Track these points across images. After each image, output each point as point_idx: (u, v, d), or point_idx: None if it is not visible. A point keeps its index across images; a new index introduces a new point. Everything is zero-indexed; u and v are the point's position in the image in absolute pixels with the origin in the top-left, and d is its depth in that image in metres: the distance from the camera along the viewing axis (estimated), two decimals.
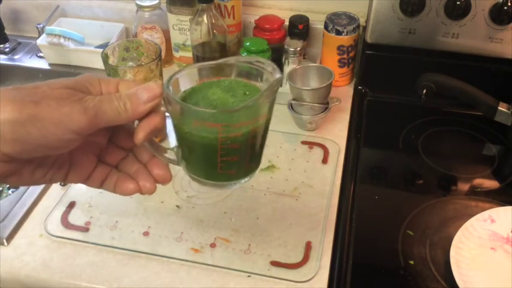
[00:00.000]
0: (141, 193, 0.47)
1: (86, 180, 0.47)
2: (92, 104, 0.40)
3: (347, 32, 0.96)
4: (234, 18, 1.02)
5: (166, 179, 0.47)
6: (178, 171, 0.82)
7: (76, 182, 0.46)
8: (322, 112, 0.88)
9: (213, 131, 0.44)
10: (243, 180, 0.50)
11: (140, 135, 0.43)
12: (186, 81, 0.48)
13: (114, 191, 0.47)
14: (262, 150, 0.50)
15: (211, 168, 0.48)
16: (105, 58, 0.78)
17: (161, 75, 0.81)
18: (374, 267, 0.70)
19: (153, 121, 0.43)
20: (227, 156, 0.46)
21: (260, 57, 0.48)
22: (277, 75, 0.46)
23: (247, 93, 0.47)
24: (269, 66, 0.48)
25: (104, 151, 0.47)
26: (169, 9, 1.00)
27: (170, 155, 0.48)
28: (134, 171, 0.47)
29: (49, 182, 0.45)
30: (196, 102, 0.46)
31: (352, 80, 1.06)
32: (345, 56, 1.00)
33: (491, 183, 0.83)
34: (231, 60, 0.49)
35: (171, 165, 0.50)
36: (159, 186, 0.52)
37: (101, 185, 0.47)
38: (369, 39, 0.96)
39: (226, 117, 0.44)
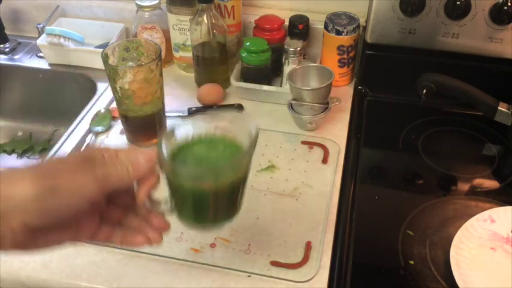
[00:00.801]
0: (150, 245, 0.51)
1: (92, 239, 0.50)
2: (100, 172, 0.45)
3: (347, 32, 0.96)
4: (234, 18, 1.02)
5: (166, 228, 0.52)
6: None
7: (83, 241, 0.50)
8: (322, 112, 0.89)
9: (201, 185, 0.50)
10: (229, 221, 0.56)
11: (141, 195, 0.48)
12: (176, 138, 0.53)
13: (121, 245, 0.51)
14: (244, 192, 0.55)
15: (201, 215, 0.54)
16: (105, 58, 0.78)
17: (161, 75, 0.81)
18: (374, 267, 0.70)
19: (151, 181, 0.48)
20: (215, 204, 0.53)
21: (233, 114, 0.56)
22: (254, 130, 0.51)
23: (226, 148, 0.53)
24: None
25: (105, 210, 0.50)
26: (169, 9, 1.00)
27: (165, 206, 0.53)
28: (137, 225, 0.51)
29: (59, 245, 0.48)
30: (185, 159, 0.52)
31: (352, 80, 1.06)
32: (345, 56, 1.00)
33: (491, 183, 0.83)
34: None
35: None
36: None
37: (106, 241, 0.51)
38: (369, 39, 0.96)
39: (213, 175, 0.50)
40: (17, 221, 0.42)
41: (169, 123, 0.91)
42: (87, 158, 0.46)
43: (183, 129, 0.54)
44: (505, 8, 0.84)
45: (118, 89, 0.80)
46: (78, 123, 0.93)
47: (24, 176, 0.43)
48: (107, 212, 0.50)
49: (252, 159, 0.53)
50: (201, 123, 0.55)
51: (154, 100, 0.82)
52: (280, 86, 1.00)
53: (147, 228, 0.51)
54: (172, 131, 0.53)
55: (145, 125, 0.86)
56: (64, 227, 0.47)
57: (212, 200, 0.52)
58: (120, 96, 0.81)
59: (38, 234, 0.45)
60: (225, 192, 0.52)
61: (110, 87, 0.87)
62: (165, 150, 0.51)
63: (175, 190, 0.51)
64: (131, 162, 0.47)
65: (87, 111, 0.96)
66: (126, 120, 0.86)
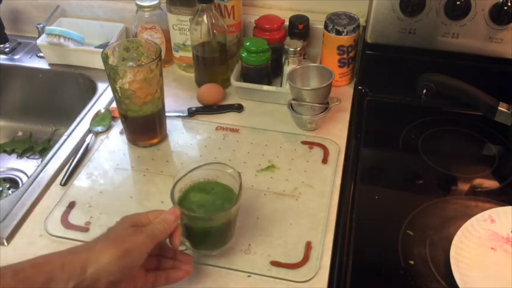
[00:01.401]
0: (188, 275, 0.64)
1: (145, 287, 0.61)
2: (149, 232, 0.58)
3: (347, 32, 0.97)
4: (234, 18, 1.02)
5: (191, 260, 0.65)
6: (178, 172, 0.82)
7: None
8: (322, 112, 0.89)
9: (203, 222, 0.66)
10: (227, 245, 0.70)
11: (176, 242, 0.61)
12: (180, 186, 0.67)
13: (166, 283, 0.62)
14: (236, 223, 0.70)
15: (206, 243, 0.69)
16: (105, 58, 0.78)
17: (161, 75, 0.81)
18: (374, 267, 0.70)
19: (178, 231, 0.62)
20: (217, 234, 0.67)
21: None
22: (238, 180, 0.66)
23: (216, 190, 0.68)
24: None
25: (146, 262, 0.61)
26: (169, 9, 1.00)
27: (183, 246, 0.67)
28: (172, 265, 0.64)
29: None
30: (185, 204, 0.66)
31: (352, 80, 1.06)
32: (345, 56, 1.00)
33: (491, 183, 0.83)
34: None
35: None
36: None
37: (155, 285, 0.62)
38: (369, 39, 0.96)
39: (211, 217, 0.65)
40: (104, 281, 0.54)
41: (169, 122, 0.91)
42: (134, 223, 0.60)
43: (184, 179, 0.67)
44: (505, 8, 0.84)
45: (118, 89, 0.80)
46: (78, 123, 0.93)
47: (104, 245, 0.56)
48: (147, 264, 0.60)
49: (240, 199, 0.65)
50: (197, 172, 0.68)
51: (154, 100, 0.82)
52: (280, 86, 1.00)
53: (179, 264, 0.64)
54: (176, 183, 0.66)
55: (146, 125, 0.86)
56: (127, 281, 0.58)
57: (214, 231, 0.66)
58: (120, 96, 0.81)
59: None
60: (223, 226, 0.66)
61: (110, 87, 0.87)
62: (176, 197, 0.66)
63: (190, 229, 0.66)
64: (165, 221, 0.60)
65: (87, 111, 0.96)
66: (126, 120, 0.86)
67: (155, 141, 0.88)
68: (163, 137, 0.89)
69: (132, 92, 0.79)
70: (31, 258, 0.55)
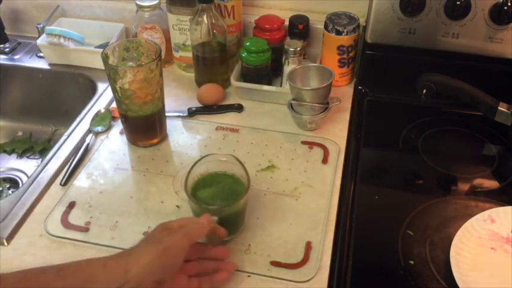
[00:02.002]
0: (230, 274, 0.66)
1: None
2: (184, 231, 0.61)
3: (347, 32, 0.97)
4: (234, 18, 1.02)
5: (228, 253, 0.67)
6: (178, 172, 0.82)
7: None
8: (322, 112, 0.89)
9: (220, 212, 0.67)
10: (240, 229, 0.72)
11: (222, 231, 0.65)
12: (192, 178, 0.70)
13: (213, 286, 0.64)
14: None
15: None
16: (105, 58, 0.78)
17: (161, 75, 0.81)
18: (374, 267, 0.70)
19: (220, 228, 0.65)
20: (233, 220, 0.70)
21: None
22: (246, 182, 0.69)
23: (222, 180, 0.72)
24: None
25: (186, 269, 0.63)
26: (169, 9, 1.00)
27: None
28: (212, 266, 0.65)
29: None
30: (198, 197, 0.69)
31: (352, 80, 1.06)
32: (345, 56, 1.00)
33: (491, 183, 0.83)
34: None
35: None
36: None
37: None
38: (369, 39, 0.96)
39: (221, 210, 0.67)
40: (148, 281, 0.56)
41: (169, 122, 0.91)
42: (167, 227, 0.62)
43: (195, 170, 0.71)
44: (505, 8, 0.84)
45: (118, 89, 0.80)
46: (78, 123, 0.93)
47: (142, 247, 0.59)
48: (189, 270, 0.63)
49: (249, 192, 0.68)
50: (207, 163, 0.71)
51: (154, 100, 0.82)
52: (280, 86, 1.00)
53: (221, 265, 0.66)
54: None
55: (146, 125, 0.86)
56: (170, 281, 0.59)
57: (225, 220, 0.67)
58: (120, 96, 0.81)
59: None
60: (235, 215, 0.69)
61: (110, 87, 0.87)
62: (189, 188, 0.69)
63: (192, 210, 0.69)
64: (197, 222, 0.63)
65: (87, 111, 0.96)
66: (126, 120, 0.86)
67: (155, 141, 0.88)
68: (163, 137, 0.89)
69: (132, 92, 0.79)
70: (76, 260, 0.57)
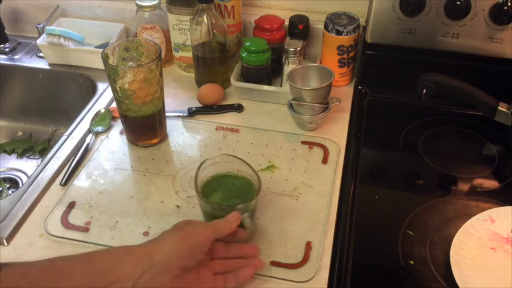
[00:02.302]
0: (258, 270, 0.66)
1: None
2: (209, 224, 0.64)
3: (347, 32, 0.97)
4: (234, 18, 1.02)
5: (257, 251, 0.68)
6: (178, 172, 0.82)
7: None
8: (322, 112, 0.89)
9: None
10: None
11: (243, 234, 0.67)
12: (203, 176, 0.71)
13: (237, 285, 0.63)
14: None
15: None
16: (105, 58, 0.78)
17: (161, 75, 0.81)
18: (374, 267, 0.70)
19: (242, 233, 0.67)
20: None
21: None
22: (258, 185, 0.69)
23: (236, 184, 0.72)
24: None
25: (211, 265, 0.64)
26: (169, 9, 1.00)
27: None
28: (237, 263, 0.65)
29: None
30: (209, 193, 0.70)
31: (352, 80, 1.06)
32: (345, 56, 1.00)
33: (491, 183, 0.83)
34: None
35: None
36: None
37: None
38: (369, 39, 0.96)
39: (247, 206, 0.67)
40: (174, 266, 0.57)
41: (169, 122, 0.91)
42: (189, 222, 0.63)
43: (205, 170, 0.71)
44: (505, 8, 0.84)
45: (118, 89, 0.80)
46: (78, 123, 0.93)
47: (166, 235, 0.60)
48: (214, 267, 0.63)
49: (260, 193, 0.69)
50: (218, 164, 0.72)
51: (154, 100, 0.82)
52: (280, 86, 1.00)
53: (246, 261, 0.66)
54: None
55: (146, 125, 0.86)
56: (195, 271, 0.60)
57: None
58: (120, 96, 0.81)
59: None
60: (253, 211, 0.69)
61: (110, 87, 0.87)
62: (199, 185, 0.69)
63: (206, 215, 0.70)
64: (225, 219, 0.64)
65: (87, 111, 0.96)
66: (126, 120, 0.86)
67: (155, 141, 0.88)
68: (163, 137, 0.89)
69: (132, 92, 0.79)
70: (97, 250, 0.59)
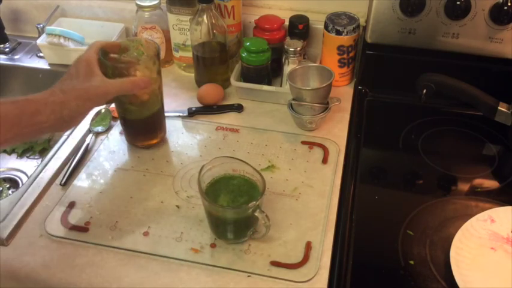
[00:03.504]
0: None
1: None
2: (117, 83, 0.73)
3: (347, 32, 0.96)
4: (234, 18, 1.02)
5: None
6: (178, 172, 0.82)
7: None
8: (322, 112, 0.89)
9: (240, 213, 0.68)
10: (252, 229, 0.71)
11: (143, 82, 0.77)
12: (203, 182, 0.70)
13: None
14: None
15: (238, 234, 0.71)
16: (102, 56, 0.78)
17: (159, 73, 0.81)
18: (374, 267, 0.70)
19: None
20: (250, 221, 0.69)
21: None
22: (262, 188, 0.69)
23: (235, 183, 0.71)
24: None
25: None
26: (169, 9, 1.00)
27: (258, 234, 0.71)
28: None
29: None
30: (215, 198, 0.70)
31: (352, 80, 1.06)
32: (345, 56, 1.00)
33: (491, 183, 0.83)
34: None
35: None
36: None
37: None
38: (369, 39, 0.96)
39: (251, 205, 0.67)
40: (73, 94, 0.67)
41: (169, 122, 0.91)
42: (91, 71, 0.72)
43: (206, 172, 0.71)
44: (505, 8, 0.84)
45: None
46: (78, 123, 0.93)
47: (75, 83, 0.69)
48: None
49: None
50: (221, 166, 0.72)
51: (152, 100, 0.82)
52: (280, 86, 1.00)
53: None
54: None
55: (145, 127, 0.86)
56: None
57: (246, 222, 0.69)
58: (117, 96, 0.80)
59: None
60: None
61: None
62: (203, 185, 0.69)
63: (221, 221, 0.69)
64: (131, 81, 0.76)
65: None
66: (125, 121, 0.86)
67: (154, 142, 0.88)
68: (163, 137, 0.89)
69: None
70: (26, 97, 0.65)
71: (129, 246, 0.70)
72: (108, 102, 0.83)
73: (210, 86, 0.98)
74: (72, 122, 0.68)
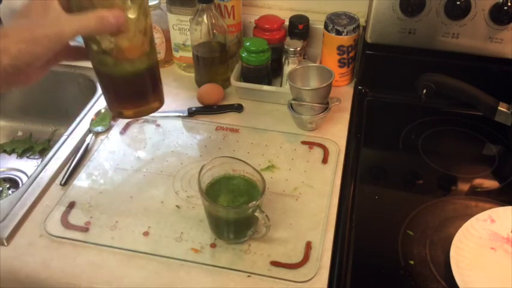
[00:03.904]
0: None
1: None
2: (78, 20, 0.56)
3: (347, 32, 0.97)
4: (234, 18, 1.02)
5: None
6: (178, 172, 0.82)
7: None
8: (322, 112, 0.89)
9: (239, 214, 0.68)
10: (253, 229, 0.71)
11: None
12: (202, 183, 0.69)
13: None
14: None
15: (239, 234, 0.71)
16: None
17: (146, 16, 0.61)
18: (374, 267, 0.70)
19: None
20: (251, 220, 0.69)
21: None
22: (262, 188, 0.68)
23: (240, 186, 0.71)
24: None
25: None
26: (169, 9, 1.00)
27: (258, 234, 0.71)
28: None
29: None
30: (215, 198, 0.69)
31: (352, 80, 1.06)
32: (345, 56, 1.00)
33: (491, 183, 0.83)
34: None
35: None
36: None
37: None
38: (369, 39, 0.96)
39: (252, 205, 0.67)
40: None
41: (169, 122, 0.91)
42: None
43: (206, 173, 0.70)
44: (505, 8, 0.84)
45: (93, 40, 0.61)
46: (78, 123, 0.93)
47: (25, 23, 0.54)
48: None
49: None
50: (221, 166, 0.71)
51: (136, 50, 0.62)
52: (280, 86, 1.00)
53: None
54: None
55: (129, 86, 0.65)
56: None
57: (246, 222, 0.69)
58: (87, 41, 0.62)
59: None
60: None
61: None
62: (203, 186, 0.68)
63: (217, 219, 0.69)
64: (100, 17, 0.55)
65: (87, 111, 0.96)
66: (101, 76, 0.65)
67: (143, 108, 0.67)
68: (157, 106, 0.69)
69: (109, 44, 0.60)
70: None
71: (129, 246, 0.70)
72: (77, 55, 0.64)
73: (210, 86, 0.98)
74: (19, 75, 0.55)
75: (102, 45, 0.60)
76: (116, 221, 0.74)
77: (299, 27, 1.02)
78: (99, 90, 1.02)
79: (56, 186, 0.80)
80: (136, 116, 0.71)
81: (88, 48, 0.62)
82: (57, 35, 0.53)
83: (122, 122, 0.92)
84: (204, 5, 0.92)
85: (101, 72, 0.65)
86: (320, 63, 1.01)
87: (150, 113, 0.70)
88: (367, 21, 0.95)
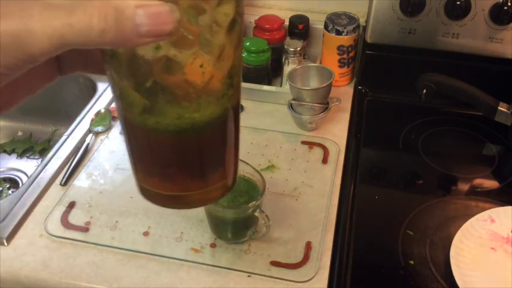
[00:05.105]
0: None
1: None
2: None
3: (347, 32, 0.96)
4: None
5: None
6: None
7: None
8: (322, 112, 0.89)
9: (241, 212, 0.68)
10: (253, 229, 0.71)
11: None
12: None
13: None
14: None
15: (238, 234, 0.71)
16: None
17: (238, 33, 0.36)
18: (374, 267, 0.70)
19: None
20: (251, 220, 0.69)
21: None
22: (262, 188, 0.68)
23: (240, 185, 0.70)
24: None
25: None
26: None
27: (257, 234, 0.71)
28: None
29: None
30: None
31: (352, 80, 1.06)
32: (345, 56, 1.00)
33: (491, 183, 0.83)
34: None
35: None
36: None
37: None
38: (369, 39, 0.96)
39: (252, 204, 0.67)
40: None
41: None
42: None
43: None
44: (505, 8, 0.84)
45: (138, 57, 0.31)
46: (78, 123, 0.93)
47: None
48: None
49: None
50: None
51: (224, 88, 0.35)
52: (280, 86, 1.00)
53: None
54: None
55: (182, 152, 0.38)
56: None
57: (246, 222, 0.68)
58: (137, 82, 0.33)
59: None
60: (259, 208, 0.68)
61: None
62: None
63: (222, 221, 0.69)
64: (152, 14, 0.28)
65: (87, 111, 0.96)
66: (133, 132, 0.38)
67: (218, 187, 0.40)
68: (227, 187, 0.41)
69: (166, 63, 0.31)
70: None
71: (129, 246, 0.70)
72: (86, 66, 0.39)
73: None
74: None
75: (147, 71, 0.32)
76: (116, 221, 0.74)
77: (299, 27, 1.02)
78: (99, 90, 1.02)
79: (56, 186, 0.80)
80: (195, 205, 0.43)
81: (110, 72, 0.34)
82: (19, 39, 0.28)
83: None
84: None
85: (135, 126, 0.36)
86: (320, 63, 1.01)
87: (215, 200, 0.46)
88: (367, 21, 0.95)
